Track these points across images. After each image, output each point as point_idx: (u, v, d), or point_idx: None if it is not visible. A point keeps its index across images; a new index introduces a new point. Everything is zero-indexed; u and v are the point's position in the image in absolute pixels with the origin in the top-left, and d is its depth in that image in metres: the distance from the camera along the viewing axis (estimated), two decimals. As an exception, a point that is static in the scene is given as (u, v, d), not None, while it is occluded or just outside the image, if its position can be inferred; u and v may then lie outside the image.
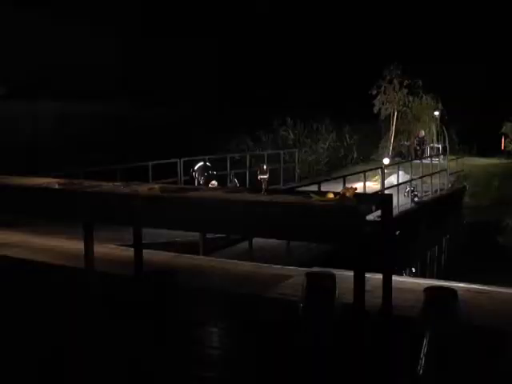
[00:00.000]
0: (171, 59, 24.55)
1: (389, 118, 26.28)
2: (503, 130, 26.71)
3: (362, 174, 14.32)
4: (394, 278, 4.95)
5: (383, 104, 25.81)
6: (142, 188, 5.42)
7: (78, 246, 6.67)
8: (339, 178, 13.27)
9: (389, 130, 26.46)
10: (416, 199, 16.20)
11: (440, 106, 26.30)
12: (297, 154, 21.61)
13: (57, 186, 5.75)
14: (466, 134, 27.00)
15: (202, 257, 8.23)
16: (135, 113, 20.76)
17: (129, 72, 23.53)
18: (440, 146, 25.81)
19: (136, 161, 13.46)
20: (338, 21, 30.22)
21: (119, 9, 23.55)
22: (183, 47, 25.12)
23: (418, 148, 25.13)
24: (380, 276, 4.81)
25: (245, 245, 9.39)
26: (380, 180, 14.88)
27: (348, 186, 5.54)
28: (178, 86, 24.06)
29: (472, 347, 3.52)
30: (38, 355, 4.31)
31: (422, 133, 25.46)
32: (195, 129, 20.71)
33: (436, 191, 18.03)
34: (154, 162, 13.53)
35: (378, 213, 4.78)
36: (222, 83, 25.14)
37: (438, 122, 26.57)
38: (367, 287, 4.44)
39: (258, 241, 9.04)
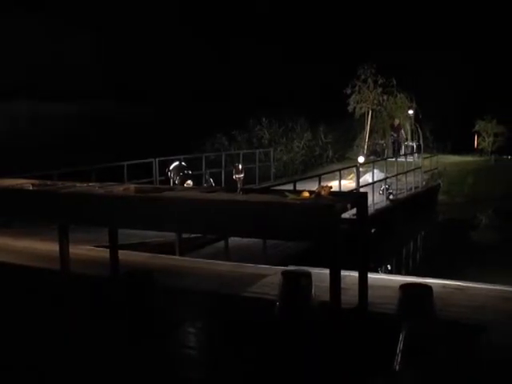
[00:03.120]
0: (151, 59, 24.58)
1: (363, 116, 26.43)
2: (476, 128, 27.00)
3: (337, 173, 14.38)
4: (370, 275, 4.98)
5: (358, 103, 25.95)
6: (117, 188, 5.39)
7: (52, 247, 6.61)
8: (314, 176, 13.29)
9: (364, 128, 26.61)
10: (391, 197, 16.29)
11: (414, 104, 26.49)
12: (272, 153, 21.61)
13: (30, 187, 5.70)
14: (440, 132, 27.25)
15: (178, 257, 8.20)
16: (118, 113, 20.66)
17: (114, 72, 23.46)
18: (414, 144, 26.02)
19: (115, 160, 13.32)
20: (312, 21, 30.31)
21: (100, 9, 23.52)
22: (166, 46, 25.14)
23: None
24: (356, 274, 4.83)
25: (221, 244, 9.37)
26: (355, 178, 14.94)
27: (323, 184, 5.56)
28: (156, 86, 24.02)
29: (448, 343, 3.55)
30: (11, 359, 4.26)
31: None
32: (170, 128, 20.64)
33: (411, 189, 18.15)
34: (129, 162, 13.41)
35: (354, 211, 4.81)
36: (199, 83, 25.15)
37: (413, 120, 26.77)
38: (343, 285, 4.46)
39: (234, 240, 9.03)
